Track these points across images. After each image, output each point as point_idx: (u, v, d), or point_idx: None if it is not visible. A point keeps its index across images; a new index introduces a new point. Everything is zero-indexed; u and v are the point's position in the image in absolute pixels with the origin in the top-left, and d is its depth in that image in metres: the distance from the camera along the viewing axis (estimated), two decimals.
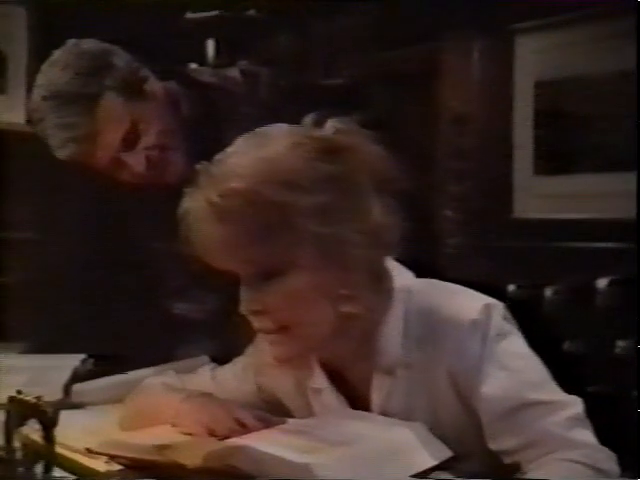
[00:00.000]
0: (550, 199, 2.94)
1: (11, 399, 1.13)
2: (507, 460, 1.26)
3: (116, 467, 1.31)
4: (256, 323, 1.33)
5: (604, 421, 1.27)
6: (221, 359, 1.64)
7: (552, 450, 1.22)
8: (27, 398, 1.11)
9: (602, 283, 2.12)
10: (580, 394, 1.28)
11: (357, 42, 3.32)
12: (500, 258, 2.79)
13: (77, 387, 1.80)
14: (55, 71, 1.83)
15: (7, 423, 1.14)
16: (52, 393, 1.69)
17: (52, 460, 1.12)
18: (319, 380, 1.41)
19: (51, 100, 1.81)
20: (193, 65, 2.37)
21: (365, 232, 1.27)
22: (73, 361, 1.92)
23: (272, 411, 1.45)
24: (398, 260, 1.39)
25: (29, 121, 1.88)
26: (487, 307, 1.30)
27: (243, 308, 1.30)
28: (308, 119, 1.32)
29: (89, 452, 1.34)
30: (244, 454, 1.20)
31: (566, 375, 1.30)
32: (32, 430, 1.15)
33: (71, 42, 1.87)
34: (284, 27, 3.32)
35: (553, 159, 2.95)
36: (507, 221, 3.03)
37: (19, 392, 1.13)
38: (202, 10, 3.03)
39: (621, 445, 1.25)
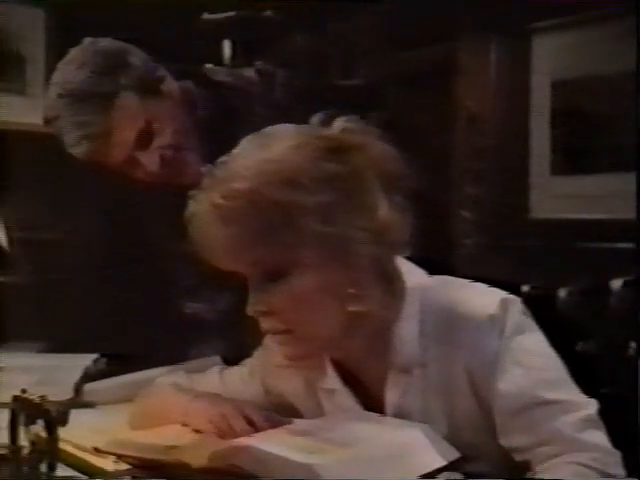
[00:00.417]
0: (567, 199, 2.93)
1: (16, 398, 1.14)
2: (518, 458, 1.26)
3: (124, 466, 1.32)
4: (264, 324, 1.33)
5: (617, 422, 1.26)
6: (232, 359, 1.64)
7: (563, 450, 1.21)
8: (31, 397, 1.12)
9: (616, 284, 2.11)
10: (593, 395, 1.27)
11: (373, 42, 3.32)
12: (516, 258, 2.78)
13: (88, 386, 1.82)
14: (71, 69, 1.84)
15: (12, 422, 1.14)
16: (63, 392, 1.70)
17: (55, 459, 1.12)
18: (332, 381, 1.40)
19: (66, 98, 1.82)
20: (209, 65, 2.37)
21: (371, 230, 1.26)
22: (85, 361, 1.93)
23: (279, 414, 1.44)
24: (413, 260, 1.38)
25: (46, 120, 1.88)
26: (505, 302, 1.29)
27: (250, 309, 1.30)
28: (315, 118, 1.32)
29: (97, 451, 1.35)
30: (248, 454, 1.21)
31: (579, 376, 1.29)
32: (42, 429, 1.16)
33: (87, 41, 1.88)
34: (300, 28, 3.32)
35: (570, 159, 2.94)
36: (523, 221, 3.02)
37: (23, 391, 1.14)
38: (219, 11, 3.04)
39: (634, 446, 1.24)
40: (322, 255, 1.25)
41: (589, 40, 2.84)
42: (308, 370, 1.42)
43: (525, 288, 2.05)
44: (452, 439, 1.29)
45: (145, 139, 1.85)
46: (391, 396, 1.34)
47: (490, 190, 3.11)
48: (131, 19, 2.57)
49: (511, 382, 1.25)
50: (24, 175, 2.90)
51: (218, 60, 2.93)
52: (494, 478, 1.27)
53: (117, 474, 1.29)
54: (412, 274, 1.37)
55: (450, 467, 1.26)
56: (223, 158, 1.30)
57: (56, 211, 2.68)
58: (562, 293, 2.08)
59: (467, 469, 1.27)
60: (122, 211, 2.12)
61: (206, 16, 3.03)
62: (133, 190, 2.00)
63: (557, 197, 2.96)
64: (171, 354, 1.87)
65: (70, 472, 1.30)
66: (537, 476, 1.20)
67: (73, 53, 1.87)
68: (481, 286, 1.35)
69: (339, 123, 1.31)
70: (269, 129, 1.32)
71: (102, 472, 1.30)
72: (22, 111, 3.14)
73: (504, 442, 1.27)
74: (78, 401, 1.74)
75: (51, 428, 1.10)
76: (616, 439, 1.24)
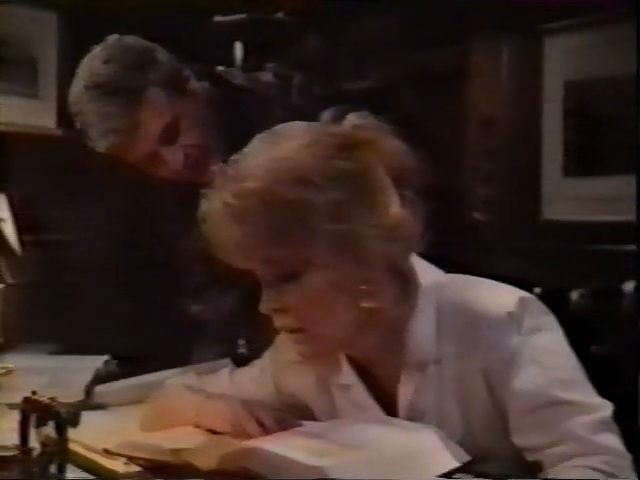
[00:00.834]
0: (579, 201, 2.92)
1: (26, 400, 1.14)
2: (530, 457, 1.25)
3: (135, 468, 1.31)
4: (277, 322, 1.32)
5: (631, 424, 1.26)
6: (242, 361, 1.64)
7: (575, 451, 1.21)
8: (41, 399, 1.12)
9: (629, 286, 2.10)
10: (607, 397, 1.26)
11: (386, 44, 3.32)
12: (528, 260, 2.77)
13: (99, 388, 1.82)
14: (96, 64, 1.84)
15: (22, 423, 1.14)
16: (74, 394, 1.70)
17: (65, 460, 1.12)
18: (347, 377, 1.39)
19: (93, 90, 1.81)
20: (221, 68, 2.37)
21: (383, 227, 1.26)
22: (96, 362, 1.93)
23: (291, 413, 1.45)
24: (427, 258, 1.37)
25: (71, 116, 1.86)
26: (523, 300, 1.29)
27: (263, 307, 1.30)
28: (326, 115, 1.32)
29: (107, 453, 1.35)
30: (257, 456, 1.21)
31: (592, 378, 1.29)
32: (53, 430, 1.16)
33: (113, 37, 1.88)
34: (312, 30, 3.32)
35: (582, 161, 2.93)
36: (536, 223, 3.01)
37: (34, 393, 1.14)
38: (230, 13, 3.04)
39: None
40: (334, 252, 1.25)
41: (601, 41, 2.83)
42: (322, 366, 1.42)
43: (537, 290, 2.04)
44: (465, 438, 1.29)
45: (171, 135, 1.84)
46: (404, 393, 1.34)
47: (502, 191, 3.10)
48: (143, 22, 2.58)
49: (527, 380, 1.25)
50: (36, 177, 2.91)
51: (230, 62, 2.93)
52: (505, 479, 1.26)
53: (127, 476, 1.29)
54: (427, 271, 1.36)
55: (461, 469, 1.25)
56: (234, 157, 1.29)
57: (67, 213, 2.69)
58: (574, 295, 2.07)
59: (478, 470, 1.26)
60: (134, 213, 2.12)
61: (218, 18, 3.03)
62: (145, 191, 2.00)
63: (569, 199, 2.95)
64: (182, 356, 1.87)
65: (80, 474, 1.30)
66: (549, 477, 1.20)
67: (98, 49, 1.87)
68: (498, 284, 1.34)
69: (350, 119, 1.31)
70: (280, 127, 1.32)
71: (112, 474, 1.30)
72: (34, 114, 3.15)
73: (517, 441, 1.27)
74: (89, 403, 1.74)
75: (61, 430, 1.10)
76: (630, 441, 1.24)
